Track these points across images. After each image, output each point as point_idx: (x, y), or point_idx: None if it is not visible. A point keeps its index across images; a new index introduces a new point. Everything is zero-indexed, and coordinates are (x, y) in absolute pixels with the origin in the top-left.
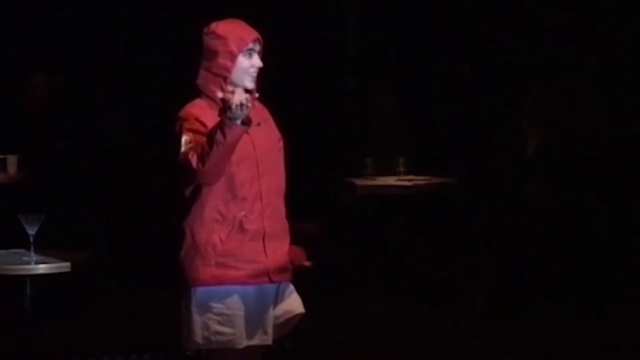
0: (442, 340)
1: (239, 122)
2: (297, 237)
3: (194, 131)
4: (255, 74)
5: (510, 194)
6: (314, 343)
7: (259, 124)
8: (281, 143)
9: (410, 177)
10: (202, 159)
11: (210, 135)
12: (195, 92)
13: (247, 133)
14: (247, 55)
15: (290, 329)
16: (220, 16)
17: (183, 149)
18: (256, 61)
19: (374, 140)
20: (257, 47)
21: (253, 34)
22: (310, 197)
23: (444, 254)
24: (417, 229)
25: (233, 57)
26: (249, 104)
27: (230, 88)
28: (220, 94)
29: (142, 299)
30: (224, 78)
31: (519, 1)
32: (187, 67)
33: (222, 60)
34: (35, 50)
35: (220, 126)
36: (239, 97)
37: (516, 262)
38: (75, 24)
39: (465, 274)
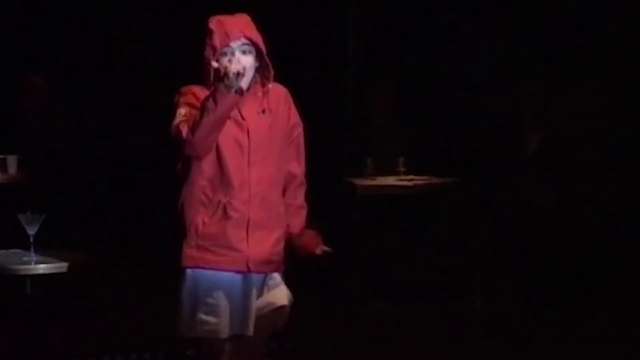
0: (442, 340)
1: (232, 91)
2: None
3: (190, 105)
4: (245, 69)
5: (510, 194)
6: (314, 343)
7: (263, 112)
8: (298, 129)
9: (410, 177)
10: (192, 129)
11: (203, 105)
12: None
13: (243, 119)
14: (229, 53)
15: (275, 323)
16: (217, 12)
17: (176, 120)
18: (238, 58)
19: (373, 140)
20: (241, 44)
21: (240, 32)
22: (310, 197)
23: (444, 254)
24: (417, 228)
25: (215, 52)
26: (244, 74)
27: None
28: (215, 64)
29: (142, 299)
30: (209, 71)
31: (518, 1)
32: (189, 66)
33: (207, 53)
34: (34, 50)
35: (212, 94)
36: (236, 65)
37: (516, 261)
38: (75, 23)
39: (465, 274)
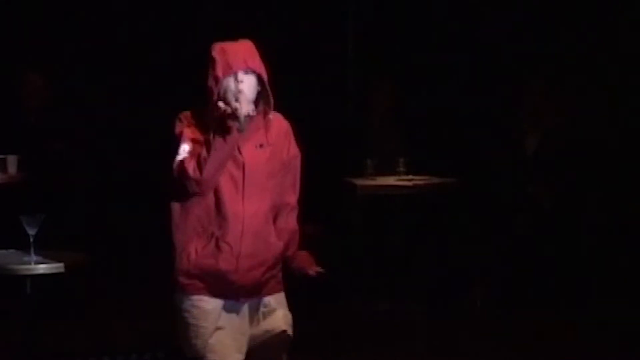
0: (442, 340)
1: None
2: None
3: (193, 141)
4: (245, 93)
5: (510, 194)
6: (314, 343)
7: (261, 146)
8: (296, 160)
9: (410, 177)
10: (199, 166)
11: (208, 143)
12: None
13: (240, 153)
14: (235, 81)
15: (278, 349)
16: (221, 19)
17: (180, 157)
18: (241, 77)
19: (373, 140)
20: (248, 73)
21: (243, 62)
22: (310, 197)
23: (444, 254)
24: (417, 228)
25: (217, 81)
26: (253, 114)
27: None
28: (222, 105)
29: (142, 299)
30: (212, 98)
31: (518, 1)
32: (188, 68)
33: (210, 81)
34: (34, 49)
35: (220, 134)
36: (246, 107)
37: (516, 262)
38: (75, 23)
39: (465, 274)
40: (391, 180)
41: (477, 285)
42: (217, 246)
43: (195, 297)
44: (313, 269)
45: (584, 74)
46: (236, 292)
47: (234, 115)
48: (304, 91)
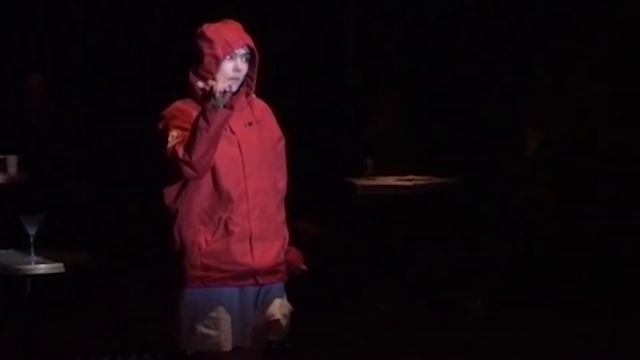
0: (442, 340)
1: (221, 107)
2: (296, 237)
3: (181, 128)
4: (239, 78)
5: (510, 194)
6: (314, 343)
7: (250, 124)
8: (281, 143)
9: (410, 177)
10: (188, 150)
11: (194, 126)
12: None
13: (233, 133)
14: (232, 60)
15: (268, 335)
16: (220, 16)
17: (170, 143)
18: (240, 66)
19: (378, 141)
20: (244, 52)
21: (241, 39)
22: (310, 197)
23: (444, 253)
24: (417, 228)
25: (217, 61)
26: (232, 90)
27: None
28: (200, 84)
29: (142, 299)
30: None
31: (518, 1)
32: (188, 68)
33: (207, 63)
34: (34, 49)
35: (202, 114)
36: (222, 84)
37: (516, 261)
38: (75, 23)
39: (465, 273)
40: (391, 180)
41: (477, 285)
42: (227, 229)
43: (211, 289)
44: (304, 267)
45: (586, 73)
46: (254, 276)
47: (211, 94)
48: (304, 91)
